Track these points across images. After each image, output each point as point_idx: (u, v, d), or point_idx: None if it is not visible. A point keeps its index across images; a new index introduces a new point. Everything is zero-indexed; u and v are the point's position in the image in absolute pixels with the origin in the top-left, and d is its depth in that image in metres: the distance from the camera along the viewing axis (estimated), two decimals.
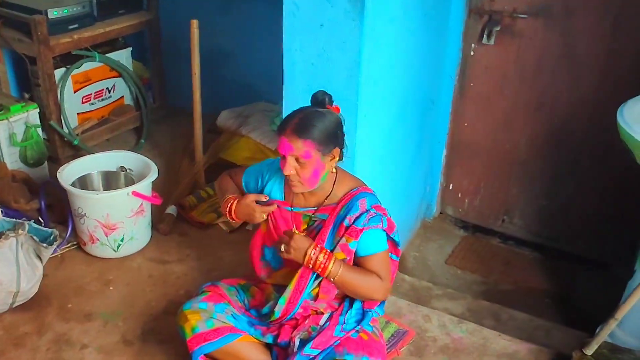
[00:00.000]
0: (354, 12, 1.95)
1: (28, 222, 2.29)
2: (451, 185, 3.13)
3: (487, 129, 2.90)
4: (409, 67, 2.42)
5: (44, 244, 2.26)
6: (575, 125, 2.67)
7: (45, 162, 3.06)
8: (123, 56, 3.49)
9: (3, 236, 2.16)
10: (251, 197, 1.91)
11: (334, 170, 1.86)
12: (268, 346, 1.96)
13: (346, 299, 1.95)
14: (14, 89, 3.32)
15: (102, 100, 3.48)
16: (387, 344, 2.10)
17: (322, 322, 1.91)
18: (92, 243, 2.54)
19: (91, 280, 2.48)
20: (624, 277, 2.25)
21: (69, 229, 2.62)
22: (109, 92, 3.50)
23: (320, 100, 1.80)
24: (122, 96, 3.59)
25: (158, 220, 2.77)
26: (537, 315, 2.45)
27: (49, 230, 2.34)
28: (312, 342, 1.82)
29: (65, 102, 3.20)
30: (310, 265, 1.80)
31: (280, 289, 1.93)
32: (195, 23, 2.79)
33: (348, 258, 1.82)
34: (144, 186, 2.52)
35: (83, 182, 2.66)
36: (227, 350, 1.86)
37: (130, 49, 3.54)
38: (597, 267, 2.85)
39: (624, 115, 1.92)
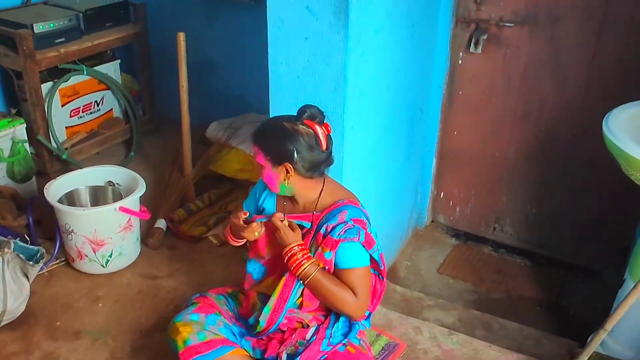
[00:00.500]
0: (338, 25, 1.95)
1: (14, 240, 2.27)
2: (442, 193, 3.13)
3: (476, 137, 2.90)
4: (397, 77, 2.41)
5: (31, 262, 2.24)
6: (562, 132, 2.68)
7: (34, 177, 3.04)
8: (111, 69, 3.48)
9: None
10: (231, 218, 1.96)
11: (297, 184, 1.84)
12: None
13: (332, 312, 1.93)
14: (0, 104, 3.30)
15: (91, 113, 3.46)
16: (378, 358, 2.09)
17: (308, 336, 1.89)
18: (81, 259, 2.52)
19: (80, 297, 2.46)
20: (614, 283, 2.25)
21: (57, 246, 2.60)
22: (98, 105, 3.48)
23: (299, 112, 1.80)
24: (111, 109, 3.57)
25: (147, 234, 2.76)
26: (528, 324, 2.44)
27: (36, 248, 2.33)
28: (299, 357, 1.81)
29: (53, 116, 3.18)
30: (286, 258, 1.79)
31: (265, 299, 1.92)
32: (182, 36, 2.78)
33: (326, 268, 1.82)
34: (132, 201, 2.50)
35: (70, 198, 2.64)
36: None
37: (119, 61, 3.53)
38: (586, 274, 2.85)
39: (609, 124, 1.92)
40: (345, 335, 1.89)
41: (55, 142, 3.19)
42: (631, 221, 2.42)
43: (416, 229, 3.19)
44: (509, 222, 3.00)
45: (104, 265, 2.54)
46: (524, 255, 2.99)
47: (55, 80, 3.17)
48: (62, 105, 3.28)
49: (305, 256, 1.79)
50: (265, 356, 1.91)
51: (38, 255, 2.29)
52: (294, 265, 1.78)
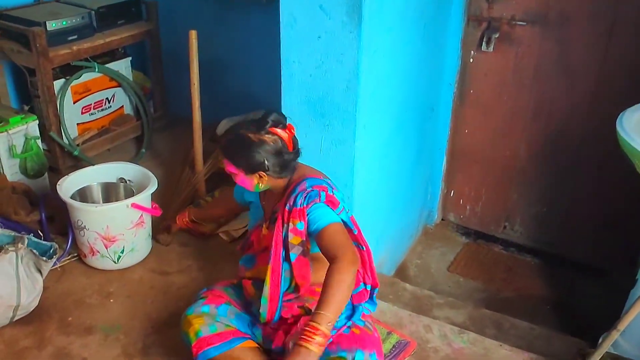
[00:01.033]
0: (351, 24, 1.95)
1: (28, 235, 2.29)
2: (452, 192, 3.13)
3: (487, 135, 2.89)
4: (408, 76, 2.41)
5: (44, 258, 2.26)
6: (572, 132, 2.67)
7: (46, 174, 3.06)
8: (122, 66, 3.49)
9: (3, 250, 2.16)
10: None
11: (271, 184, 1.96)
12: (266, 352, 1.96)
13: None
14: (13, 100, 3.32)
15: (102, 110, 3.48)
16: (388, 356, 2.10)
17: None
18: (93, 255, 2.54)
19: (92, 293, 2.48)
20: (624, 283, 2.25)
21: (69, 241, 2.61)
22: (109, 102, 3.50)
23: (262, 123, 1.88)
24: (122, 106, 3.59)
25: (157, 231, 2.77)
26: (538, 323, 2.44)
27: (49, 243, 2.34)
28: None
29: (65, 112, 3.20)
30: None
31: (260, 285, 1.94)
32: (193, 34, 2.79)
33: (303, 239, 1.88)
34: (144, 198, 2.52)
35: (83, 194, 2.66)
36: (231, 355, 1.87)
37: (130, 59, 3.54)
38: (596, 274, 2.84)
39: (624, 124, 1.91)
40: (349, 317, 1.91)
41: (67, 139, 3.21)
42: None
43: (426, 227, 3.19)
44: (520, 221, 2.99)
45: (116, 261, 2.55)
46: (534, 254, 2.99)
47: (68, 78, 3.19)
48: (74, 102, 3.30)
49: (317, 331, 1.69)
50: (272, 347, 1.93)
51: (51, 250, 2.31)
52: (324, 336, 1.70)
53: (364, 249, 1.94)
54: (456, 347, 2.20)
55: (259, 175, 1.91)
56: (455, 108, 2.91)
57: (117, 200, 2.65)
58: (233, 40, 3.57)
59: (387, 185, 2.51)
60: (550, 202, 2.86)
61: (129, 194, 2.66)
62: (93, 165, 2.83)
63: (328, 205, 1.87)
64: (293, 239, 1.89)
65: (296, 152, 1.95)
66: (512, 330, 2.36)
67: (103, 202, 2.71)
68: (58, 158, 3.21)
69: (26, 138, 2.92)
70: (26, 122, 2.92)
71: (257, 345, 1.95)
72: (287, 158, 1.91)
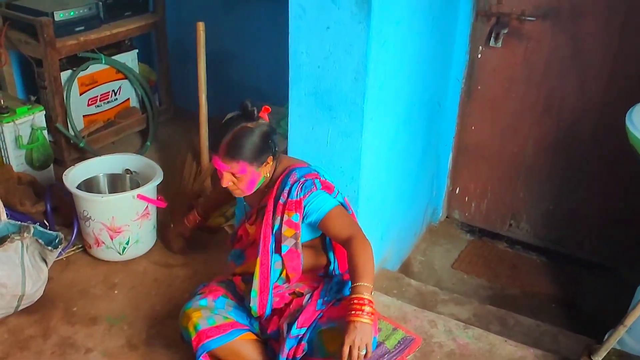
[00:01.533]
0: (360, 15, 1.94)
1: (33, 225, 2.29)
2: (458, 188, 3.11)
3: (494, 132, 2.88)
4: (416, 70, 2.40)
5: (49, 247, 2.25)
6: (582, 129, 2.65)
7: (51, 165, 3.05)
8: (129, 58, 3.49)
9: (8, 239, 2.16)
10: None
11: (270, 172, 1.95)
12: (265, 343, 1.98)
13: (325, 278, 2.00)
14: (20, 91, 3.32)
15: (108, 102, 3.48)
16: (393, 351, 2.09)
17: (304, 302, 1.93)
18: (98, 246, 2.54)
19: (96, 284, 2.48)
20: (631, 281, 2.23)
21: (74, 232, 2.61)
22: (115, 94, 3.50)
23: (249, 112, 1.85)
24: (128, 98, 3.59)
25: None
26: (544, 321, 2.43)
27: (54, 233, 2.34)
28: (296, 322, 1.84)
29: (71, 104, 3.20)
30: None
31: (250, 280, 1.95)
32: (201, 26, 2.78)
33: (297, 232, 1.88)
34: (150, 189, 2.51)
35: (89, 185, 2.65)
36: (230, 347, 1.88)
37: (136, 51, 3.53)
38: (603, 271, 2.83)
39: (633, 119, 1.90)
40: (338, 292, 1.94)
41: (73, 130, 3.21)
42: None
43: (431, 224, 3.17)
44: (526, 219, 2.97)
45: (121, 253, 2.55)
46: (539, 252, 2.97)
47: (74, 69, 3.19)
48: (81, 94, 3.30)
49: (368, 303, 1.72)
50: (268, 332, 1.94)
51: (57, 240, 2.30)
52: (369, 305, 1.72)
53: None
54: (461, 342, 2.19)
55: (267, 162, 1.88)
56: (463, 103, 2.89)
57: (122, 192, 2.64)
58: (240, 32, 3.56)
59: (393, 180, 2.50)
60: (558, 199, 2.84)
61: (135, 185, 2.66)
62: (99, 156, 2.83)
63: (325, 191, 1.89)
64: (287, 231, 1.89)
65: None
66: (518, 326, 2.35)
67: (109, 193, 2.71)
68: (63, 150, 3.21)
69: (32, 129, 2.92)
70: (33, 113, 2.92)
71: (255, 336, 1.97)
72: (276, 139, 1.93)
